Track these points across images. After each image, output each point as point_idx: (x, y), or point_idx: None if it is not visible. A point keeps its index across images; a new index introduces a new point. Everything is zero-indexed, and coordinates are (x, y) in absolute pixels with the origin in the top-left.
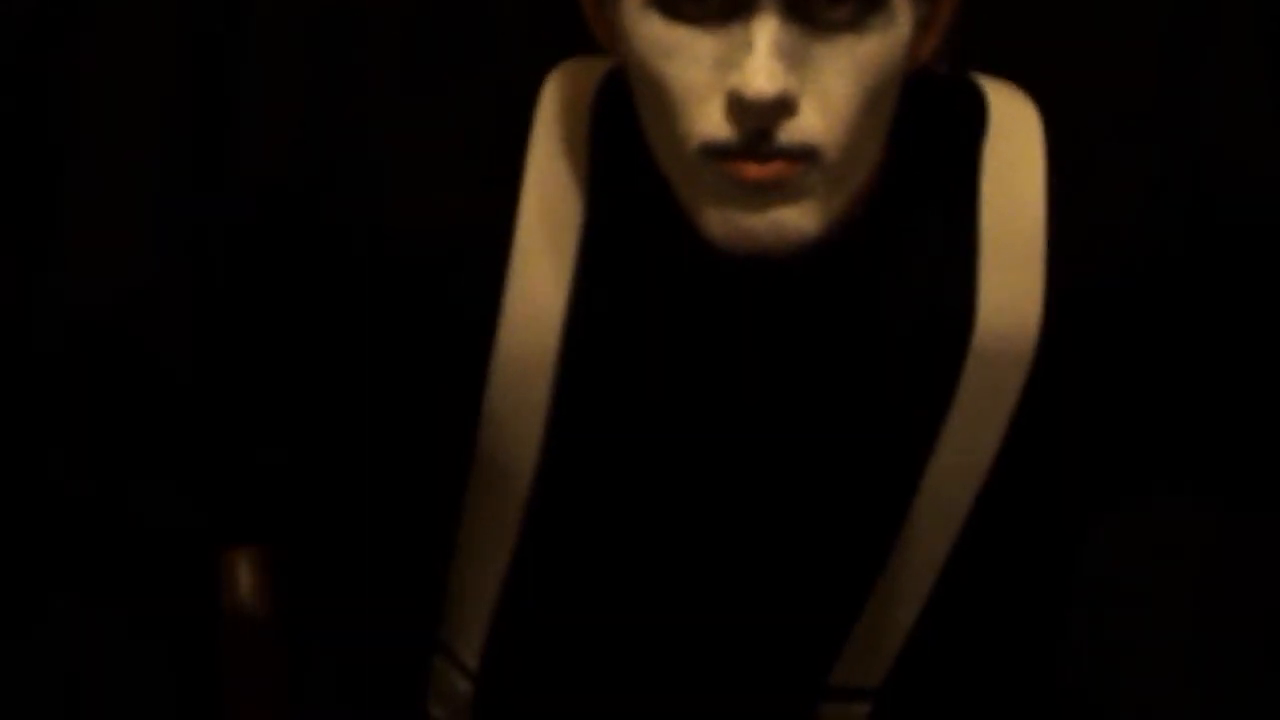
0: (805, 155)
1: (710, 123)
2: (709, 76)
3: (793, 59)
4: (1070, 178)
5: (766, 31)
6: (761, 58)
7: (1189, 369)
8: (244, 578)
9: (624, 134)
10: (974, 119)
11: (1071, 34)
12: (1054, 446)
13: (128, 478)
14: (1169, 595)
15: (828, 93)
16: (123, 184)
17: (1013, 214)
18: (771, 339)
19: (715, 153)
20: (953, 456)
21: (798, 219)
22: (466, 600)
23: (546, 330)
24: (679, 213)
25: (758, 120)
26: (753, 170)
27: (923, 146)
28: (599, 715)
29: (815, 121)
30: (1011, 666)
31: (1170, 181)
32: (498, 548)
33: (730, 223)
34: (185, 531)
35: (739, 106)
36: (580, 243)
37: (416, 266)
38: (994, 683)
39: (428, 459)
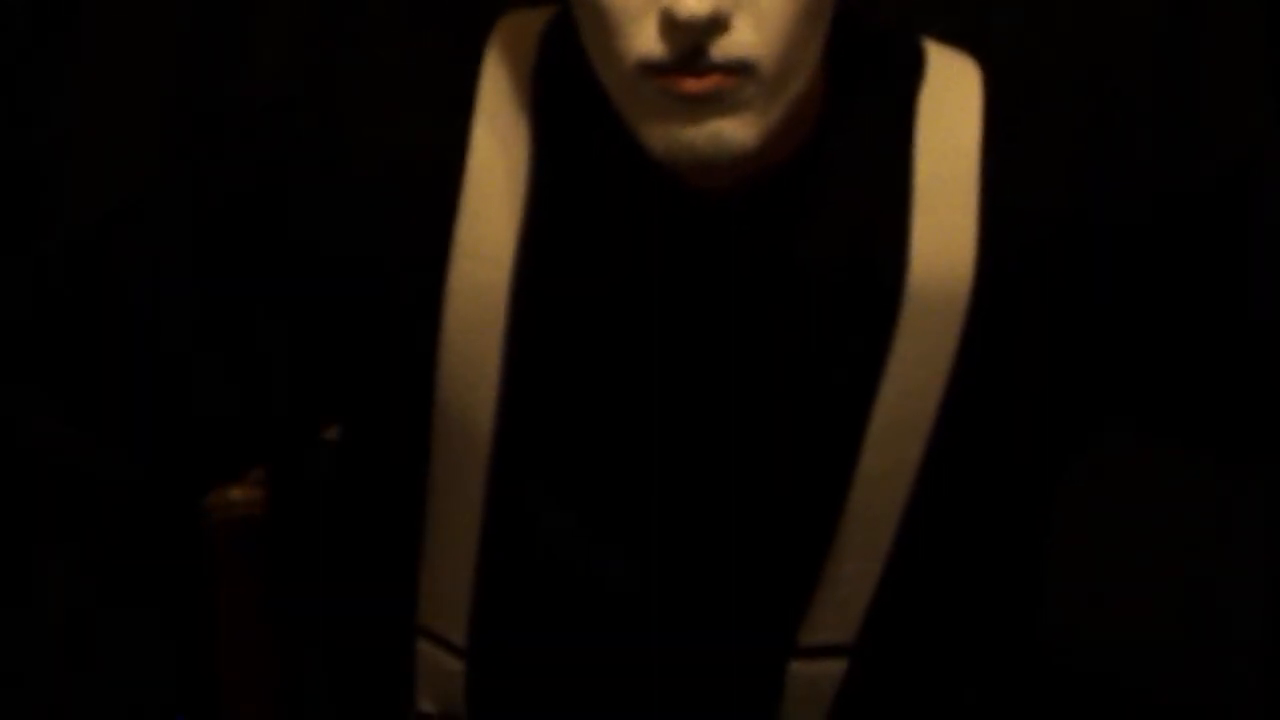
0: (741, 69)
1: (646, 41)
2: None
3: None
4: (1006, 129)
5: None
6: None
7: (1121, 314)
8: (235, 556)
9: (570, 68)
10: (912, 70)
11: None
12: (998, 392)
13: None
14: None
15: (762, 7)
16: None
17: (947, 162)
18: (714, 270)
19: (651, 69)
20: (896, 401)
21: (736, 130)
22: (444, 574)
23: (498, 263)
24: (622, 145)
25: (691, 38)
26: (689, 84)
27: (859, 94)
28: (581, 674)
29: (750, 36)
30: (989, 621)
31: (1105, 136)
32: (467, 509)
33: (670, 136)
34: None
35: (671, 25)
36: (530, 176)
37: (368, 200)
38: (972, 638)
39: (387, 403)
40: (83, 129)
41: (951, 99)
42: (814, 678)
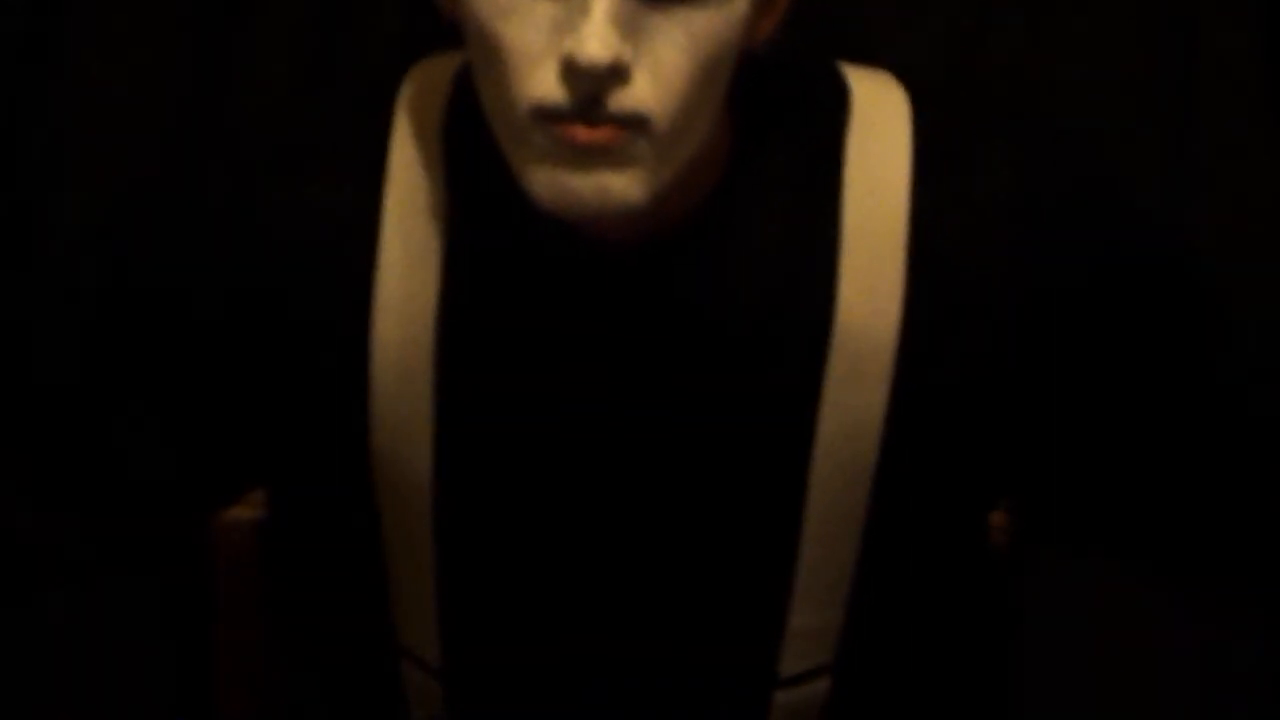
0: (635, 123)
1: (543, 85)
2: (544, 39)
3: (628, 28)
4: (937, 165)
5: None
6: (596, 24)
7: (1053, 370)
8: (234, 556)
9: (480, 116)
10: (836, 108)
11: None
12: (935, 435)
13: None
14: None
15: (661, 63)
16: None
17: (876, 204)
18: (631, 320)
19: (546, 115)
20: (835, 443)
21: (624, 186)
22: (411, 603)
23: (420, 323)
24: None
25: (590, 85)
26: (582, 134)
27: (782, 135)
28: (564, 705)
29: (647, 91)
30: (959, 622)
31: (1040, 174)
32: (419, 550)
33: (556, 184)
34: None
35: (572, 71)
36: (445, 229)
37: (285, 266)
38: (947, 639)
39: (325, 465)
40: (83, 129)
41: (880, 136)
42: (800, 700)
